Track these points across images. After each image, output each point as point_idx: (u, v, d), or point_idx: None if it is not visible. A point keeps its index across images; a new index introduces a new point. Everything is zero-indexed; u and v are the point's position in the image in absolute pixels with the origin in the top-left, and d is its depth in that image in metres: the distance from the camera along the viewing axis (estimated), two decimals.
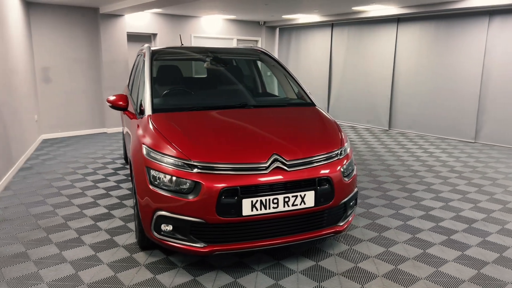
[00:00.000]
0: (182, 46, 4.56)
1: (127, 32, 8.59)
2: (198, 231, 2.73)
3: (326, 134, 3.25)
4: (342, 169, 3.02)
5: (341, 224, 3.10)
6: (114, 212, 4.07)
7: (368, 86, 9.30)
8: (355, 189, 3.22)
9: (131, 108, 3.95)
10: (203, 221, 2.67)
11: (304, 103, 3.92)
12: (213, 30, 10.04)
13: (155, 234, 2.83)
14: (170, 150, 2.81)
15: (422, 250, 3.30)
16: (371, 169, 5.71)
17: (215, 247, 2.74)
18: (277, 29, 11.30)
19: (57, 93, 7.86)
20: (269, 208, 2.73)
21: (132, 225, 3.75)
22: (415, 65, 8.39)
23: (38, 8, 7.43)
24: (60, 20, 7.68)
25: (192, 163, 2.72)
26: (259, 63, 4.93)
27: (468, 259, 3.16)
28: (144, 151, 2.93)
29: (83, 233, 3.59)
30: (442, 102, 8.03)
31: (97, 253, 3.22)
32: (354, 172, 3.21)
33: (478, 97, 7.51)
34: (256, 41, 11.01)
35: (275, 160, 2.80)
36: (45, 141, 7.61)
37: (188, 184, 2.69)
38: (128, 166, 5.73)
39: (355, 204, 3.28)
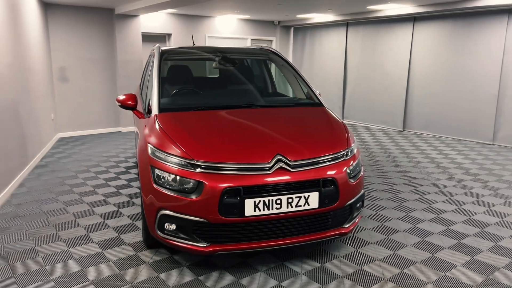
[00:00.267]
0: (193, 46, 4.58)
1: (142, 32, 8.69)
2: (201, 231, 2.73)
3: (332, 134, 3.22)
4: (348, 170, 2.98)
5: (347, 226, 3.06)
6: (123, 210, 4.12)
7: (383, 86, 9.18)
8: (362, 191, 3.17)
9: (140, 108, 3.99)
10: (205, 220, 2.67)
11: (312, 103, 3.89)
12: (227, 30, 10.07)
13: (159, 232, 2.85)
14: (174, 150, 2.82)
15: (431, 254, 3.23)
16: (383, 171, 5.63)
17: (218, 247, 2.74)
18: (292, 29, 11.25)
19: (73, 93, 8.01)
20: (272, 209, 2.71)
21: (139, 224, 3.79)
22: (431, 65, 8.23)
23: (56, 9, 7.59)
24: (76, 20, 7.82)
25: (195, 162, 2.72)
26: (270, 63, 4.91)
27: (478, 264, 3.07)
28: (149, 150, 2.95)
29: (92, 231, 3.64)
30: (459, 103, 7.86)
31: (103, 251, 3.26)
32: (361, 174, 3.17)
33: (497, 97, 7.32)
34: (271, 41, 10.99)
35: (279, 161, 2.78)
36: (61, 139, 7.76)
37: (191, 183, 2.69)
38: None
39: (362, 206, 3.23)
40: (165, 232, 2.82)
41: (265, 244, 2.79)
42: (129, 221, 3.85)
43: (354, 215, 3.12)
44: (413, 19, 8.40)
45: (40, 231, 3.62)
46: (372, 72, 9.37)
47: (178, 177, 2.73)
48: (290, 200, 2.73)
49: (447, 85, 8.00)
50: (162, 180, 2.79)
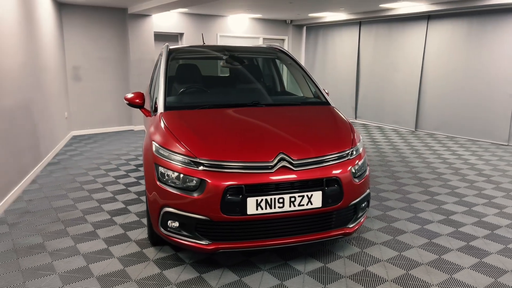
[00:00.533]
0: (202, 45, 4.60)
1: (154, 32, 8.77)
2: (203, 229, 2.74)
3: (337, 133, 3.19)
4: (353, 170, 2.95)
5: (351, 226, 3.02)
6: (130, 208, 4.16)
7: (396, 85, 9.06)
8: (367, 191, 3.14)
9: (148, 106, 4.02)
10: (208, 218, 2.68)
11: (319, 102, 3.86)
12: (239, 29, 10.08)
13: (162, 230, 2.87)
14: (178, 148, 2.84)
15: (438, 256, 3.17)
16: (393, 171, 5.55)
17: (220, 245, 2.75)
18: (304, 28, 11.20)
19: (86, 91, 8.13)
20: (275, 208, 2.70)
21: (146, 221, 3.82)
22: (445, 64, 8.09)
23: (70, 8, 7.71)
24: (90, 20, 7.93)
25: (198, 160, 2.73)
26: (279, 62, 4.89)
27: (486, 267, 3.01)
28: (154, 148, 2.97)
29: (99, 227, 3.69)
30: (473, 103, 7.70)
31: (109, 247, 3.30)
32: (367, 173, 3.13)
33: None
34: (283, 40, 10.96)
35: (282, 159, 2.76)
36: (74, 137, 7.89)
37: (194, 181, 2.70)
38: None
39: (367, 206, 3.20)
40: (168, 229, 2.84)
41: (267, 243, 2.78)
42: (136, 218, 3.89)
43: (359, 215, 3.08)
44: (427, 17, 8.27)
45: (48, 227, 3.69)
46: (385, 71, 9.26)
47: (181, 175, 2.74)
48: (292, 199, 2.72)
49: (461, 85, 7.85)
50: (166, 177, 2.81)
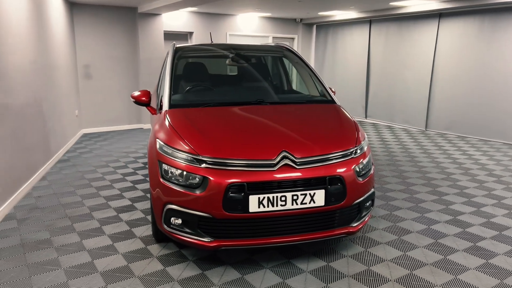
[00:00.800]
0: (209, 43, 4.61)
1: (164, 31, 8.82)
2: (206, 226, 2.75)
3: (341, 132, 3.17)
4: (357, 169, 2.93)
5: (354, 225, 3.01)
6: (136, 205, 4.20)
7: (406, 84, 8.97)
8: (372, 190, 3.11)
9: (154, 104, 4.05)
10: (210, 216, 2.69)
11: (324, 100, 3.85)
12: (248, 28, 10.08)
13: (165, 226, 2.89)
14: (181, 145, 2.85)
15: (443, 256, 3.13)
16: (401, 170, 5.50)
17: (222, 242, 2.76)
18: (314, 27, 11.15)
19: (97, 90, 8.23)
20: (277, 206, 2.70)
21: (151, 218, 3.84)
22: (456, 63, 7.97)
23: (81, 8, 7.80)
24: (101, 19, 8.02)
25: (201, 158, 2.74)
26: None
27: (492, 268, 2.96)
28: (158, 145, 2.99)
29: (105, 224, 3.73)
30: (485, 102, 7.58)
31: (114, 243, 3.33)
32: (371, 172, 3.11)
33: None
34: (292, 38, 10.93)
35: (284, 157, 2.76)
36: (85, 135, 7.98)
37: (196, 179, 2.71)
38: None
39: (372, 205, 3.17)
40: (172, 226, 2.86)
41: (269, 241, 2.78)
42: (142, 215, 3.92)
43: (363, 214, 3.06)
44: (438, 15, 8.17)
45: (56, 223, 3.74)
46: (396, 70, 9.17)
47: (184, 172, 2.76)
48: (295, 197, 2.71)
49: (473, 84, 7.74)
50: (169, 175, 2.83)
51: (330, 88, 4.07)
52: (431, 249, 3.26)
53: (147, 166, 5.69)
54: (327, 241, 3.36)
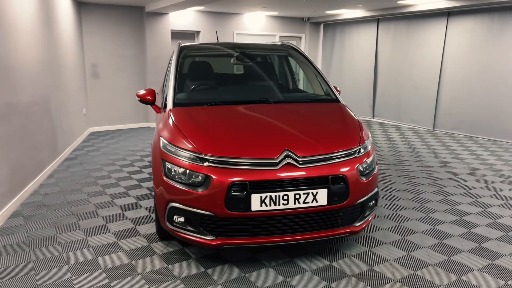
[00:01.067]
0: (215, 42, 4.62)
1: (171, 30, 8.86)
2: (208, 224, 2.76)
3: (345, 131, 3.16)
4: (360, 168, 2.92)
5: (358, 224, 2.99)
6: (141, 203, 4.22)
7: (414, 84, 8.90)
8: (375, 189, 3.10)
9: (159, 103, 4.07)
10: (212, 214, 2.69)
11: (328, 99, 3.83)
12: (255, 27, 10.08)
13: (168, 224, 2.90)
14: (184, 144, 2.86)
15: (447, 257, 3.11)
16: (407, 170, 5.46)
17: (225, 240, 2.76)
18: (322, 25, 11.11)
19: (104, 88, 8.29)
20: (279, 205, 2.69)
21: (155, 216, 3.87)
22: (465, 62, 7.89)
23: (89, 7, 7.87)
24: (108, 18, 8.08)
25: (203, 156, 2.75)
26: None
27: (496, 269, 2.93)
28: (161, 144, 3.01)
29: (110, 221, 3.76)
30: (494, 102, 7.49)
31: (118, 241, 3.36)
32: (375, 171, 3.09)
33: None
34: (300, 37, 10.90)
35: (287, 156, 2.76)
36: (92, 133, 8.05)
37: (199, 177, 2.72)
38: None
39: (375, 204, 3.16)
40: (174, 224, 2.87)
41: (272, 240, 2.78)
42: (147, 213, 3.95)
43: (366, 213, 3.05)
44: (447, 14, 8.09)
45: (62, 220, 3.78)
46: (403, 69, 9.11)
47: (187, 171, 2.77)
48: (297, 196, 2.71)
49: (482, 83, 7.65)
50: (172, 173, 2.84)
51: (335, 87, 4.06)
52: (435, 249, 3.23)
53: None
54: (330, 241, 3.36)
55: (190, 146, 2.83)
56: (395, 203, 4.25)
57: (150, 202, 4.23)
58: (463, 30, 7.88)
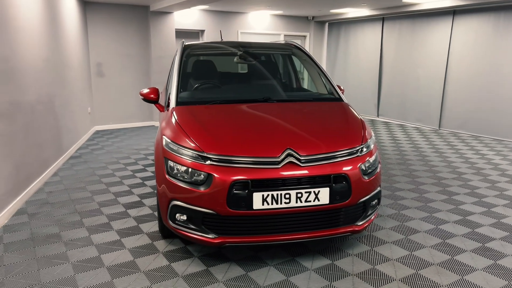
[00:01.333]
0: (218, 41, 4.62)
1: (176, 29, 8.88)
2: (210, 222, 2.76)
3: (347, 130, 3.15)
4: (363, 167, 2.91)
5: (360, 223, 2.99)
6: (145, 201, 4.24)
7: (419, 83, 8.85)
8: (378, 188, 3.09)
9: (162, 101, 4.08)
10: (214, 212, 2.70)
11: (331, 98, 3.83)
12: (260, 26, 10.08)
13: (171, 222, 2.92)
14: (186, 142, 2.87)
15: (450, 256, 3.10)
16: (412, 170, 5.44)
17: (227, 239, 2.77)
18: (326, 24, 11.08)
19: (109, 87, 8.33)
20: (281, 203, 2.70)
21: None
22: (471, 61, 7.84)
23: (94, 7, 7.90)
24: (113, 17, 8.11)
25: (205, 155, 2.76)
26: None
27: (500, 269, 2.91)
28: (164, 142, 3.02)
29: (113, 219, 3.78)
30: (500, 101, 7.43)
31: (121, 239, 3.38)
32: (377, 170, 3.08)
33: None
34: (304, 36, 10.89)
35: (289, 155, 2.76)
36: (97, 132, 8.10)
37: (201, 176, 2.73)
38: None
39: (378, 203, 3.15)
40: (177, 222, 2.88)
41: (273, 238, 2.78)
42: (150, 212, 3.96)
43: (369, 212, 3.04)
44: (452, 12, 8.04)
45: (66, 218, 3.81)
46: (409, 68, 9.06)
47: (189, 169, 2.78)
48: (299, 195, 2.71)
49: (487, 82, 7.59)
50: (175, 171, 2.85)
51: (339, 86, 4.05)
52: (438, 249, 3.22)
53: None
54: (332, 240, 3.35)
55: (193, 144, 2.84)
56: (399, 202, 4.24)
57: (153, 201, 4.25)
58: (468, 29, 7.82)
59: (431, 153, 6.41)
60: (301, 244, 3.28)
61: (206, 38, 9.43)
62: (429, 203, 4.21)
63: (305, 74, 8.44)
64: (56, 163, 5.39)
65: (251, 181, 2.65)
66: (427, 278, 2.80)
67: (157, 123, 8.86)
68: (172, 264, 2.98)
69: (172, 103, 3.43)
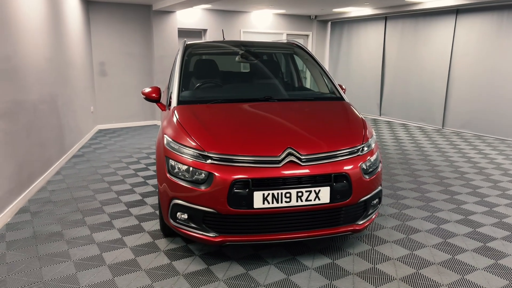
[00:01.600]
0: (220, 40, 4.63)
1: (178, 28, 8.89)
2: (211, 221, 2.77)
3: (348, 129, 3.15)
4: (363, 166, 2.91)
5: (360, 223, 2.99)
6: (147, 200, 4.26)
7: (422, 82, 8.83)
8: (379, 187, 3.09)
9: (164, 101, 4.09)
10: (215, 211, 2.71)
11: (333, 97, 3.83)
12: (262, 25, 10.07)
13: (172, 221, 2.93)
14: (188, 141, 2.88)
15: (451, 256, 3.09)
16: (414, 169, 5.43)
17: (227, 237, 2.78)
18: (329, 23, 11.07)
19: (112, 86, 8.36)
20: (281, 202, 2.70)
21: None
22: (474, 60, 7.81)
23: (97, 6, 7.93)
24: (116, 17, 8.14)
25: (206, 154, 2.77)
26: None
27: (501, 269, 2.91)
28: (165, 141, 3.03)
29: (115, 218, 3.80)
30: (503, 101, 7.40)
31: (123, 237, 3.40)
32: (378, 170, 3.08)
33: None
34: (307, 35, 10.88)
35: (289, 154, 2.76)
36: (100, 131, 8.13)
37: (202, 174, 2.74)
38: None
39: (379, 203, 3.15)
40: (178, 221, 2.90)
41: (274, 237, 2.79)
42: (151, 210, 3.98)
43: (369, 212, 3.05)
44: (455, 11, 8.01)
45: (68, 216, 3.83)
46: (411, 67, 9.04)
47: (190, 168, 2.79)
48: (300, 194, 2.71)
49: (491, 81, 7.56)
50: (176, 170, 2.86)
51: (340, 85, 4.05)
52: (439, 248, 3.21)
53: None
54: (333, 239, 3.36)
55: (193, 143, 2.85)
56: (400, 201, 4.23)
57: (155, 199, 4.27)
58: (472, 28, 7.79)
59: (433, 152, 6.39)
60: (301, 243, 3.29)
61: (208, 37, 9.44)
62: (431, 203, 4.20)
63: (307, 73, 8.43)
64: (58, 162, 5.42)
65: (252, 180, 2.66)
66: (427, 277, 2.80)
67: (159, 122, 8.87)
68: (173, 262, 2.99)
69: (174, 102, 3.44)
